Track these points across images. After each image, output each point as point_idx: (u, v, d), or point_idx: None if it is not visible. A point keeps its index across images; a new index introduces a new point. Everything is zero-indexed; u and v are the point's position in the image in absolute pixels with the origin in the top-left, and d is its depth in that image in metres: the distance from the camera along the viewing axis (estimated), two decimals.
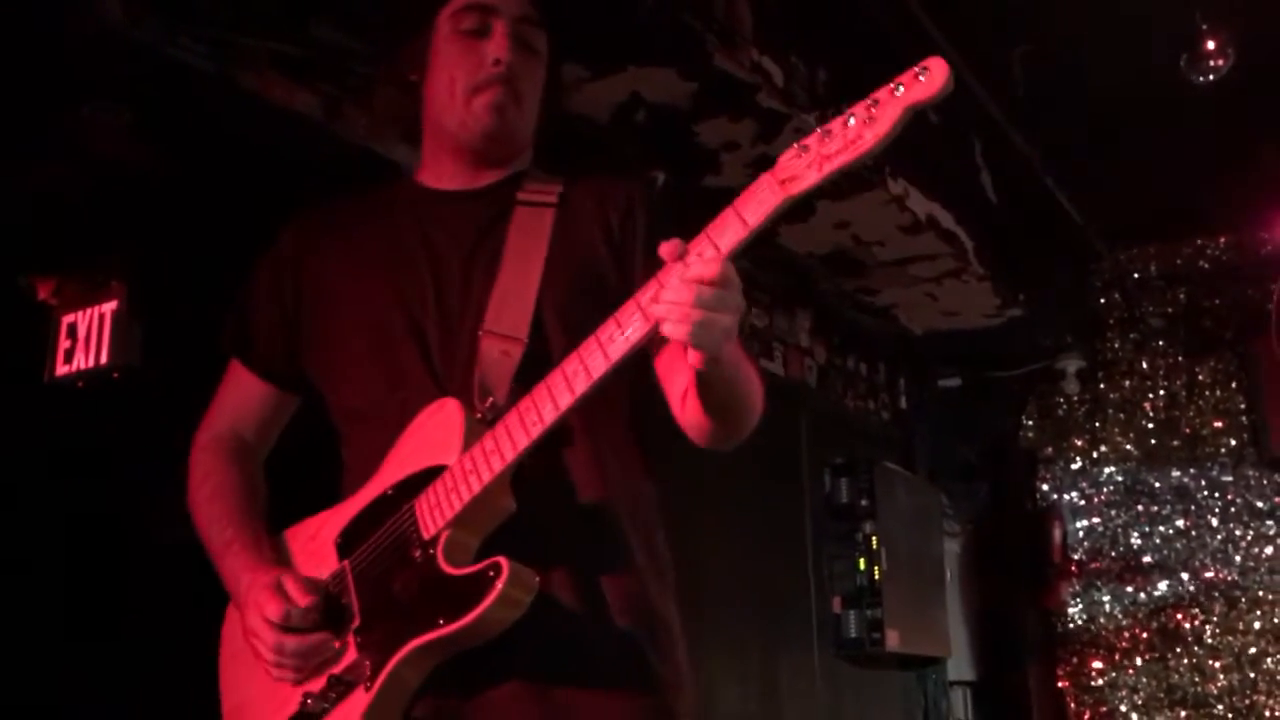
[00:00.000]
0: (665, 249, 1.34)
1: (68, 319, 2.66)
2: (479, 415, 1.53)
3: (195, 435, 1.81)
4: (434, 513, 1.49)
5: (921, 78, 1.23)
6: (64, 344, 2.66)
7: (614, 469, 1.61)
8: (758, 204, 1.30)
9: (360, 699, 1.48)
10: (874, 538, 4.94)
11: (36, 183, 2.40)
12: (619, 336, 1.39)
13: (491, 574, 1.42)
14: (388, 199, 1.79)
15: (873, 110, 1.24)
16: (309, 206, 1.82)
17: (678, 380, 1.60)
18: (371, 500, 1.58)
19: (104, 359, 2.60)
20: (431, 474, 1.51)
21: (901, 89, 1.24)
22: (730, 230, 1.32)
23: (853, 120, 1.25)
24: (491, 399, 1.53)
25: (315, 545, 1.63)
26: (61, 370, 2.65)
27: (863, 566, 4.91)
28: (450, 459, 1.50)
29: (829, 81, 3.72)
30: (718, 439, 1.60)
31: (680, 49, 3.15)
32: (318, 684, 1.52)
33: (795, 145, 1.29)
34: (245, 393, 1.81)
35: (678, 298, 1.31)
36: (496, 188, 1.73)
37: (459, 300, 1.62)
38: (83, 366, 2.62)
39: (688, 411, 1.58)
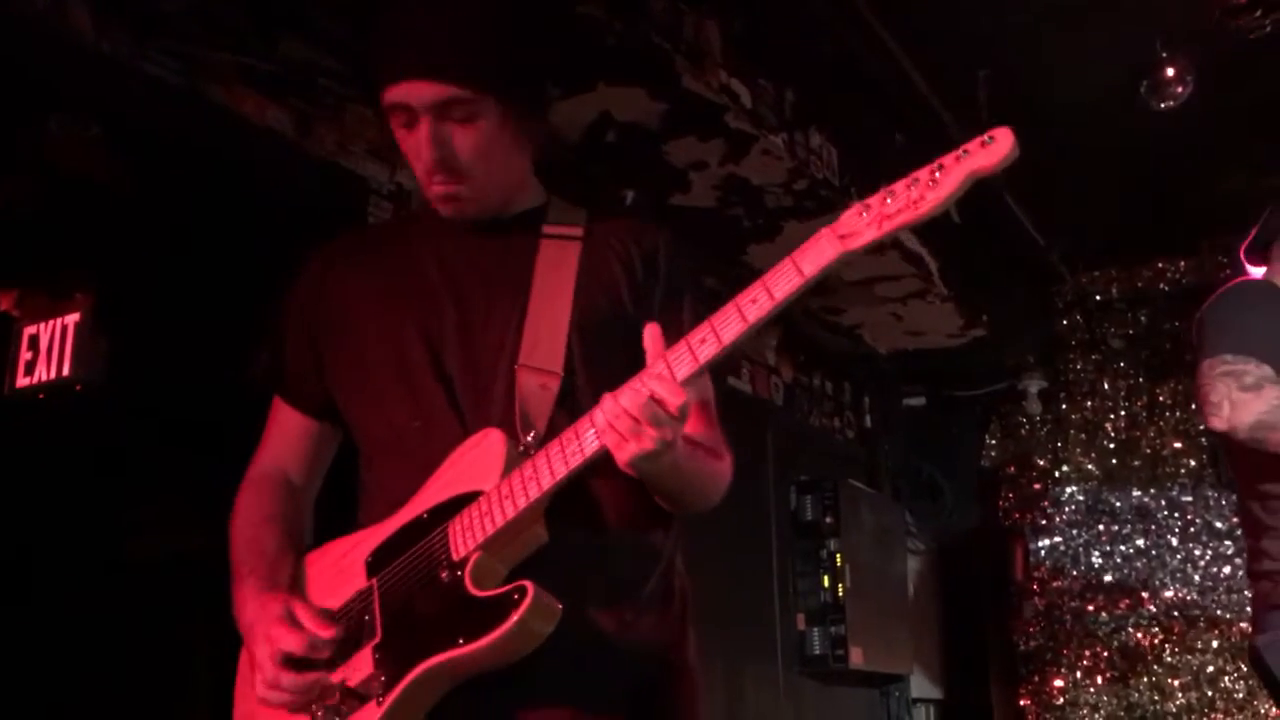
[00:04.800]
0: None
1: (29, 330, 2.64)
2: (522, 448, 1.53)
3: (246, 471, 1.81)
4: (466, 535, 1.49)
5: (986, 145, 1.27)
6: (25, 355, 2.63)
7: (643, 499, 1.61)
8: (816, 255, 1.32)
9: (371, 713, 1.48)
10: (838, 555, 4.97)
11: (1, 194, 2.39)
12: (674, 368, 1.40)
13: (516, 596, 1.42)
14: (408, 228, 1.79)
15: (936, 175, 1.27)
16: (333, 237, 1.81)
17: None
18: (405, 523, 1.58)
19: (66, 371, 2.58)
20: (467, 499, 1.52)
21: (966, 155, 1.27)
22: (786, 280, 1.34)
23: (916, 183, 1.28)
24: (534, 432, 1.54)
25: (345, 565, 1.62)
26: (22, 382, 2.62)
27: (827, 583, 4.94)
28: (488, 486, 1.50)
29: (796, 103, 3.76)
30: (673, 509, 1.62)
31: (649, 70, 3.17)
32: (331, 698, 1.53)
33: (858, 204, 1.32)
34: (287, 428, 1.81)
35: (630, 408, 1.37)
36: (518, 220, 1.71)
37: (483, 332, 1.63)
38: (44, 378, 2.60)
39: None
